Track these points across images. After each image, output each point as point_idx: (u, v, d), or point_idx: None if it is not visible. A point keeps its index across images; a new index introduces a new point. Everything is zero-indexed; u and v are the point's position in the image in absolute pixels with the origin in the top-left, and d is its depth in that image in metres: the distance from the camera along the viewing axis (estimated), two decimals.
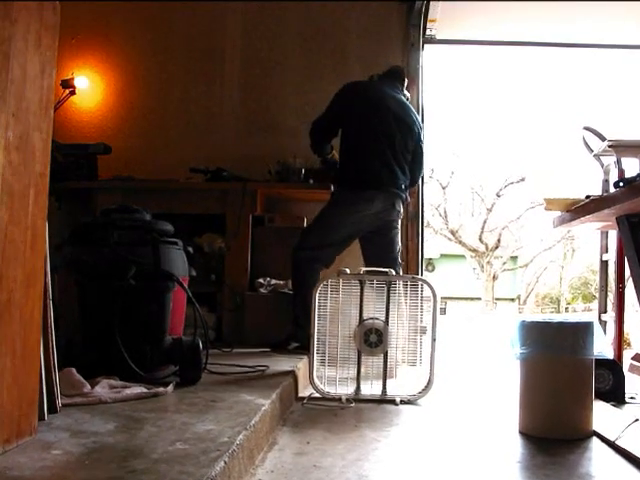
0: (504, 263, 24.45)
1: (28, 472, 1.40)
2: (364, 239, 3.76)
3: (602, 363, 2.82)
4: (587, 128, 3.20)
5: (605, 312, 3.42)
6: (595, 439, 2.27)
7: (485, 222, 23.41)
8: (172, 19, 4.90)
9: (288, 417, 2.52)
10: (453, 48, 6.23)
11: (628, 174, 2.94)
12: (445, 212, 22.93)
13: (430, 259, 24.53)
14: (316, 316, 2.88)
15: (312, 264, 3.58)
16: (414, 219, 4.58)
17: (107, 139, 4.51)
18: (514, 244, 24.20)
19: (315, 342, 2.89)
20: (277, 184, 4.31)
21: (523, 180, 22.36)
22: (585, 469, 2.00)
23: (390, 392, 2.88)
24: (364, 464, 1.92)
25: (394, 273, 3.03)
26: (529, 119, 27.40)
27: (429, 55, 4.89)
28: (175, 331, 2.71)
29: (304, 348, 3.27)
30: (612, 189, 2.69)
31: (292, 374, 2.88)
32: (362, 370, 2.91)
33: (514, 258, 25.38)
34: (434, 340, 2.91)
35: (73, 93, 4.64)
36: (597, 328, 2.35)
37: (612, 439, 2.18)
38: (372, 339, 2.90)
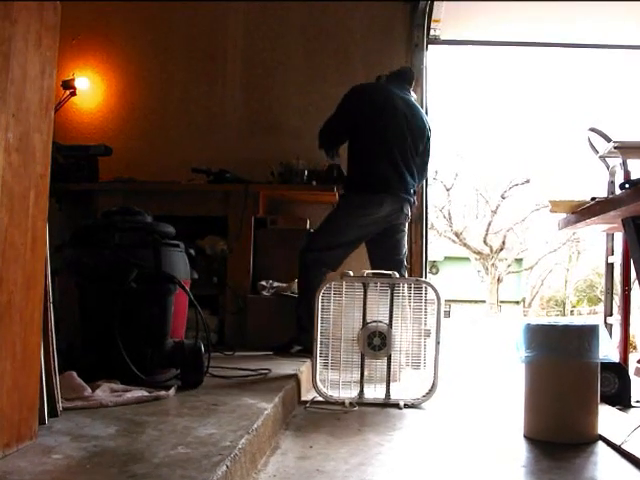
0: (509, 265, 24.40)
1: (28, 477, 1.39)
2: (370, 241, 3.74)
3: (608, 366, 2.80)
4: (592, 129, 3.19)
5: (611, 315, 3.41)
6: (601, 443, 2.25)
7: (490, 224, 23.36)
8: (173, 19, 4.89)
9: (291, 421, 2.51)
10: (457, 48, 6.21)
11: (634, 176, 2.94)
12: (449, 214, 22.89)
13: (434, 261, 24.47)
14: (319, 319, 2.87)
15: (319, 267, 3.56)
16: (418, 221, 4.56)
17: (108, 140, 4.50)
18: (519, 246, 24.15)
19: (318, 345, 2.87)
20: (280, 186, 4.30)
21: (528, 182, 22.30)
22: (591, 473, 2.00)
23: (394, 396, 2.87)
24: (367, 468, 1.91)
25: (397, 275, 3.01)
26: (534, 120, 27.37)
27: (433, 55, 4.88)
28: (177, 334, 2.70)
29: (307, 351, 3.25)
30: (618, 191, 2.68)
31: (295, 377, 2.87)
32: (365, 373, 2.89)
33: (519, 260, 25.33)
34: (438, 343, 2.89)
35: (74, 94, 4.62)
36: (603, 331, 2.34)
37: (618, 443, 2.17)
38: (375, 342, 2.89)
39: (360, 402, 2.83)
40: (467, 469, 1.99)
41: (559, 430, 2.27)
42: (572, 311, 25.11)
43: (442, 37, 4.89)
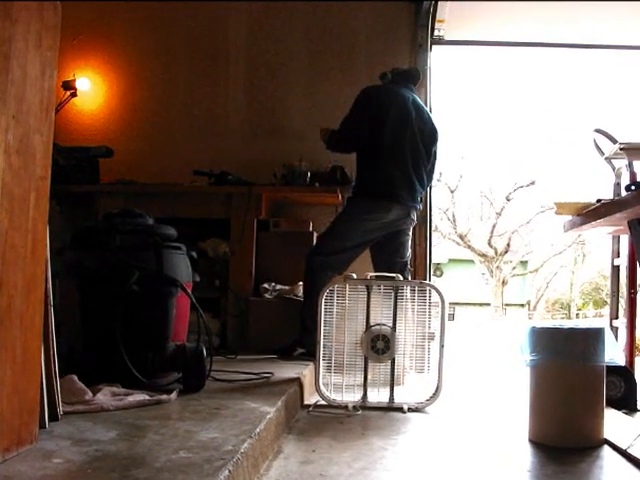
0: (514, 268, 24.37)
1: None
2: (374, 244, 3.72)
3: (613, 370, 2.79)
4: (598, 130, 3.17)
5: (616, 318, 3.39)
6: (606, 447, 2.24)
7: (494, 226, 23.32)
8: (175, 19, 4.87)
9: (293, 425, 2.50)
10: (461, 49, 6.20)
11: None
12: (454, 216, 22.86)
13: (438, 264, 24.44)
14: (322, 322, 2.85)
15: (325, 270, 3.54)
16: (422, 223, 4.54)
17: (109, 142, 4.49)
18: (524, 249, 24.11)
19: (321, 348, 2.86)
20: (282, 188, 4.27)
21: (533, 183, 22.27)
22: (596, 478, 2.00)
23: (397, 399, 2.85)
24: (371, 473, 1.90)
25: (401, 278, 3.00)
26: (539, 121, 27.38)
27: (437, 56, 4.87)
28: (178, 337, 2.69)
29: (310, 355, 3.24)
30: (624, 193, 2.67)
31: (297, 381, 2.86)
32: (369, 377, 2.88)
33: (524, 263, 25.31)
34: (442, 346, 2.88)
35: (74, 95, 4.61)
36: (608, 334, 2.33)
37: (624, 447, 2.15)
38: (379, 345, 2.87)
39: (363, 406, 2.81)
40: (471, 474, 1.98)
41: (564, 434, 2.26)
42: (577, 314, 25.08)
43: (446, 37, 4.88)
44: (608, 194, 3.26)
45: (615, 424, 2.44)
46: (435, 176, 4.09)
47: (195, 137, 4.76)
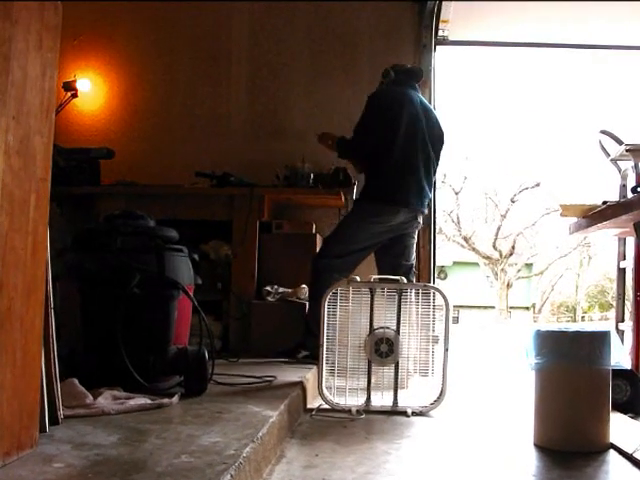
0: (519, 271, 24.37)
1: None
2: (379, 247, 3.71)
3: (619, 374, 2.78)
4: (604, 132, 3.17)
5: (622, 321, 3.39)
6: (612, 452, 2.23)
7: (499, 228, 23.33)
8: (177, 19, 4.85)
9: (296, 429, 2.49)
10: (466, 49, 6.17)
11: None
12: (458, 218, 22.86)
13: (442, 266, 24.44)
14: (325, 325, 2.84)
15: (331, 273, 3.52)
16: (426, 226, 4.52)
17: (110, 143, 4.46)
18: (529, 251, 24.12)
19: (324, 352, 2.85)
20: (285, 189, 4.26)
21: (538, 185, 22.27)
22: None
23: (401, 403, 2.84)
24: (374, 477, 1.89)
25: (405, 281, 2.98)
26: (544, 122, 27.34)
27: (441, 56, 4.86)
28: (180, 340, 2.68)
29: (314, 357, 3.22)
30: (630, 194, 2.67)
31: (300, 385, 2.85)
32: (372, 381, 2.86)
33: (529, 265, 25.30)
34: (447, 350, 2.87)
35: (75, 96, 4.60)
36: (614, 338, 2.31)
37: (630, 452, 2.14)
38: (383, 349, 2.86)
39: (367, 410, 2.80)
40: (476, 478, 1.97)
41: (570, 438, 2.24)
42: (583, 317, 25.09)
43: (450, 38, 4.87)
44: (614, 196, 3.26)
45: (621, 428, 2.43)
46: (438, 177, 4.08)
47: (197, 138, 4.75)
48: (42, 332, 1.70)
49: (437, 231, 4.90)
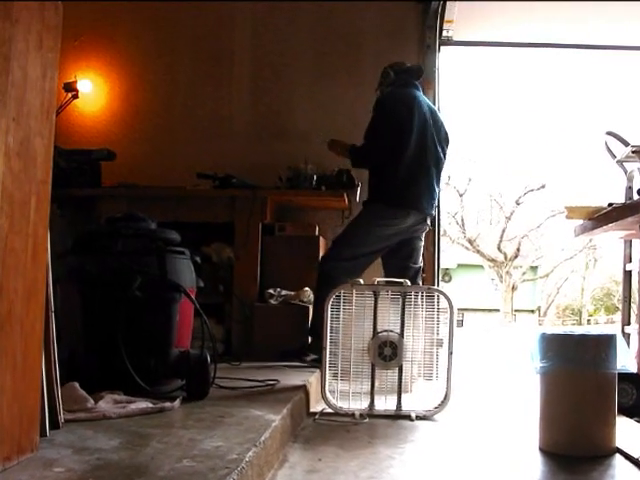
0: (524, 273, 24.33)
1: None
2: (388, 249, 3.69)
3: (625, 377, 2.75)
4: (610, 133, 3.16)
5: (628, 324, 3.38)
6: (618, 456, 2.21)
7: (504, 231, 23.27)
8: (178, 19, 4.83)
9: (299, 433, 2.48)
10: (470, 49, 6.16)
11: None
12: (462, 220, 22.81)
13: (447, 269, 24.44)
14: (328, 328, 2.83)
15: (339, 276, 3.48)
16: (430, 228, 4.50)
17: (111, 144, 4.44)
18: (534, 253, 24.08)
19: (327, 355, 2.83)
20: (288, 191, 4.24)
21: (543, 187, 22.22)
22: None
23: (405, 407, 2.82)
24: None
25: (409, 283, 2.96)
26: (549, 124, 27.29)
27: (445, 57, 4.84)
28: (182, 344, 2.67)
29: (321, 361, 3.20)
30: (636, 196, 2.66)
31: (303, 389, 2.83)
32: (376, 384, 2.85)
33: (534, 268, 25.26)
34: (451, 353, 2.85)
35: (76, 97, 4.57)
36: (620, 341, 2.30)
37: (636, 456, 2.13)
38: (386, 352, 2.85)
39: (370, 414, 2.78)
40: None
41: (575, 442, 2.23)
42: (589, 320, 25.06)
43: (455, 38, 4.86)
44: (620, 198, 3.25)
45: (627, 432, 2.42)
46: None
47: (199, 139, 4.73)
48: (42, 335, 1.69)
49: (441, 233, 4.88)
